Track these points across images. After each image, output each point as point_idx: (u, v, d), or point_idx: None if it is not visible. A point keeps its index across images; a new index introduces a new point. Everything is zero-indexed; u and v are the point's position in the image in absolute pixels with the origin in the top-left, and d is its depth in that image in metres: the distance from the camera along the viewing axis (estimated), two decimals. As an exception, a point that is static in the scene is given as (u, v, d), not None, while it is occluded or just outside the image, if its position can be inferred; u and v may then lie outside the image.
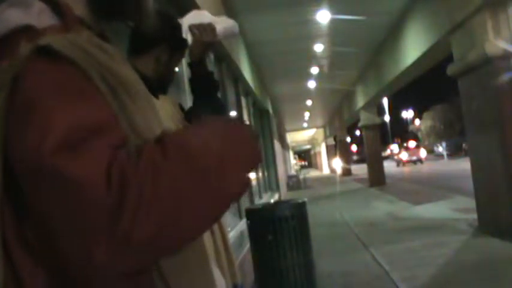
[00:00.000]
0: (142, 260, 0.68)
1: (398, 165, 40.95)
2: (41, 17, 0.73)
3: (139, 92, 0.77)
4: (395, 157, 44.43)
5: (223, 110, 1.85)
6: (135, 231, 0.63)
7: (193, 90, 1.84)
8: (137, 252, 0.65)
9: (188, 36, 1.77)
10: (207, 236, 1.74)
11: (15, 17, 0.72)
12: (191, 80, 1.81)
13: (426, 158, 42.55)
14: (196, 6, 4.76)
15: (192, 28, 1.75)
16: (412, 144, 48.61)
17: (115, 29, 0.95)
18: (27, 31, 0.71)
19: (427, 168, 32.71)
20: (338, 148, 34.59)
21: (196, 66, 1.80)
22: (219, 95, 1.91)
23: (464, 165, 13.99)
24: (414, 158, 40.52)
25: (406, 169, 35.03)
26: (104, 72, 0.70)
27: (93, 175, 0.63)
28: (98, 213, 0.62)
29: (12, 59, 0.67)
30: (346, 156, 33.97)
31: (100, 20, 0.85)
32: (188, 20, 1.78)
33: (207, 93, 1.81)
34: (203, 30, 1.74)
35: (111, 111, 0.69)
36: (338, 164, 33.69)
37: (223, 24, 1.82)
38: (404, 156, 41.47)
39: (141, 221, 0.63)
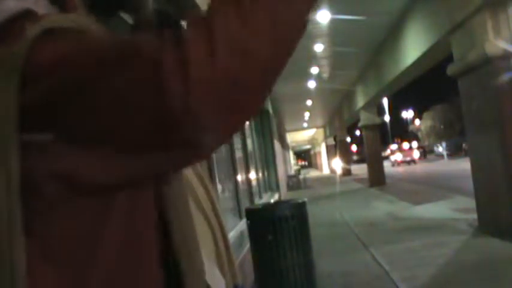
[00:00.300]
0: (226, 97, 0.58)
1: (393, 165, 43.14)
2: (37, 5, 0.73)
3: None
4: (391, 157, 47.18)
5: None
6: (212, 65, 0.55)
7: None
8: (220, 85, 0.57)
9: None
10: (207, 236, 1.73)
11: (13, 5, 0.72)
12: None
13: (420, 159, 45.88)
14: (196, 7, 4.76)
15: None
16: (406, 146, 51.07)
17: (114, 27, 0.95)
18: (28, 15, 0.70)
19: (420, 167, 33.19)
20: (338, 148, 34.63)
21: None
22: None
23: (463, 165, 13.98)
24: (408, 158, 43.44)
25: (401, 169, 36.07)
26: None
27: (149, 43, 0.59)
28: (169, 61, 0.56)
29: (18, 43, 0.65)
30: (346, 156, 33.99)
31: (98, 17, 0.84)
32: None
33: None
34: None
35: None
36: (338, 164, 33.94)
37: None
38: (398, 157, 44.46)
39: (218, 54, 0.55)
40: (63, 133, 0.64)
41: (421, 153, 53.57)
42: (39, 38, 0.64)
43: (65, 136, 0.64)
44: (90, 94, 0.62)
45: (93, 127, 0.63)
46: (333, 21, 9.78)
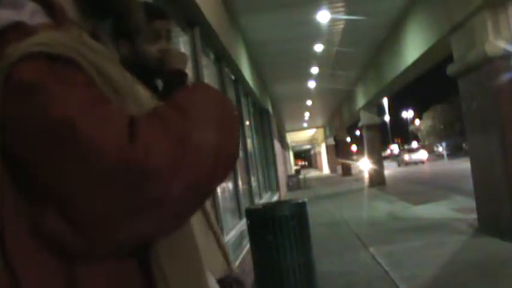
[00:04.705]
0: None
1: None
2: (33, 16, 0.73)
3: (127, 92, 0.77)
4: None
5: None
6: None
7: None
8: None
9: None
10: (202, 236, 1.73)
11: (7, 15, 0.72)
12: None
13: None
14: (196, 6, 4.76)
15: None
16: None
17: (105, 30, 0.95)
18: (18, 28, 0.70)
19: (419, 168, 32.93)
20: (340, 148, 34.60)
21: None
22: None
23: (463, 165, 14.00)
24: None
25: (402, 169, 35.74)
26: (95, 69, 0.71)
27: (113, 134, 0.64)
28: (128, 167, 0.64)
29: (1, 59, 0.67)
30: (346, 156, 33.96)
31: (90, 19, 0.85)
32: None
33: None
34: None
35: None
36: (366, 164, 28.87)
37: None
38: None
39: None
40: (29, 171, 0.67)
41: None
42: (20, 59, 0.66)
43: (30, 179, 0.67)
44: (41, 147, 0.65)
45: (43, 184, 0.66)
46: (333, 21, 9.77)
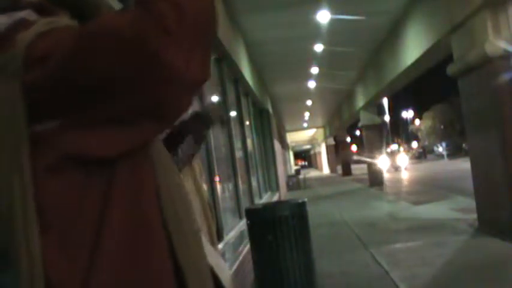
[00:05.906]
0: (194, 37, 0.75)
1: None
2: (29, 16, 0.82)
3: None
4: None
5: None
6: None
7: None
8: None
9: None
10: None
11: (5, 20, 0.81)
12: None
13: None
14: None
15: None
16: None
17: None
18: (23, 22, 0.80)
19: (420, 168, 32.95)
20: (340, 148, 34.63)
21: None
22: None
23: (463, 165, 14.02)
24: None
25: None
26: None
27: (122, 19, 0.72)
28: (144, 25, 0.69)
29: (17, 47, 0.74)
30: (346, 156, 33.96)
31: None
32: None
33: None
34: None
35: None
36: (404, 161, 28.90)
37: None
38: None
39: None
40: (66, 118, 0.73)
41: (420, 153, 54.71)
42: (33, 40, 0.74)
43: (68, 121, 0.73)
44: (83, 66, 0.71)
45: (90, 105, 0.72)
46: (333, 21, 9.77)
